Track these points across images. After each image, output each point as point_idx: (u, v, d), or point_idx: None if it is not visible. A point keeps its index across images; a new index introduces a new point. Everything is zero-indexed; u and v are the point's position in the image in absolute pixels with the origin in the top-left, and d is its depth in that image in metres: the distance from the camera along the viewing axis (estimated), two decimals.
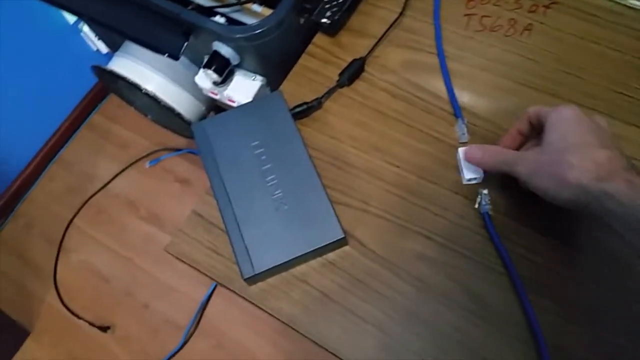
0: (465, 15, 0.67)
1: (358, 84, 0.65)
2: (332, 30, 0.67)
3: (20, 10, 1.39)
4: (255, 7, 0.73)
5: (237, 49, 0.68)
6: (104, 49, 1.61)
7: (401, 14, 0.67)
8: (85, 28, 1.56)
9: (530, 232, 0.54)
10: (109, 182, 1.68)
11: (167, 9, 0.66)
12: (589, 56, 0.62)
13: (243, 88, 0.73)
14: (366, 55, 0.65)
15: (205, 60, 0.69)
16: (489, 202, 0.55)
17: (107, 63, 0.90)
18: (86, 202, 1.65)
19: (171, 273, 1.52)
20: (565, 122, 0.46)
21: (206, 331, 1.45)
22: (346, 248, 0.56)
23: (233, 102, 0.75)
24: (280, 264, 0.53)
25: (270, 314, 0.54)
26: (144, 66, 0.83)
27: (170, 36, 0.68)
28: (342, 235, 0.53)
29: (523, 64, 0.63)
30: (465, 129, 0.59)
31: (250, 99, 0.72)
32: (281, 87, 0.66)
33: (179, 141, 1.60)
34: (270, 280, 0.55)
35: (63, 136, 1.74)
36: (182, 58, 0.70)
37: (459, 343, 0.51)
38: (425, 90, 0.63)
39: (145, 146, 1.71)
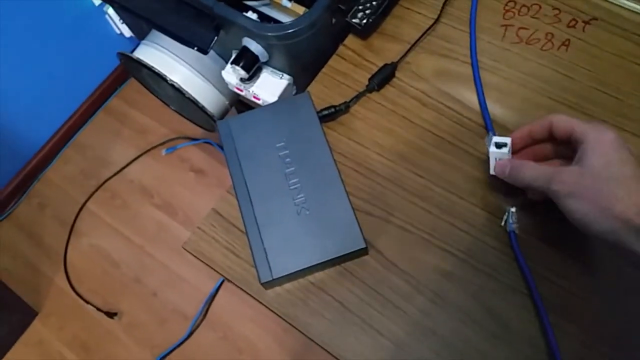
0: (502, 25, 0.65)
1: (387, 90, 0.63)
2: (365, 33, 0.66)
3: None
4: (285, 2, 0.72)
5: (267, 47, 0.67)
6: (127, 32, 1.61)
7: (437, 20, 0.66)
8: (110, 11, 1.56)
9: (556, 255, 0.53)
10: (124, 168, 1.68)
11: (200, 2, 0.65)
12: (628, 76, 0.60)
13: (269, 86, 0.72)
14: (398, 61, 0.64)
15: (234, 55, 0.68)
16: (516, 220, 0.54)
17: (130, 47, 0.89)
18: (100, 186, 1.66)
19: (181, 263, 1.52)
20: (608, 146, 0.44)
21: (213, 323, 1.45)
22: (366, 258, 0.55)
23: (258, 99, 0.73)
24: (299, 271, 0.52)
25: (284, 320, 0.54)
26: (170, 57, 0.82)
27: (201, 30, 0.67)
28: (364, 246, 0.52)
29: (558, 80, 0.61)
30: None
31: (275, 98, 0.71)
32: (309, 88, 0.65)
33: (197, 130, 1.59)
34: (287, 285, 0.55)
35: (80, 119, 1.75)
36: (210, 51, 0.69)
37: None
38: (456, 100, 0.62)
39: (163, 133, 1.71)
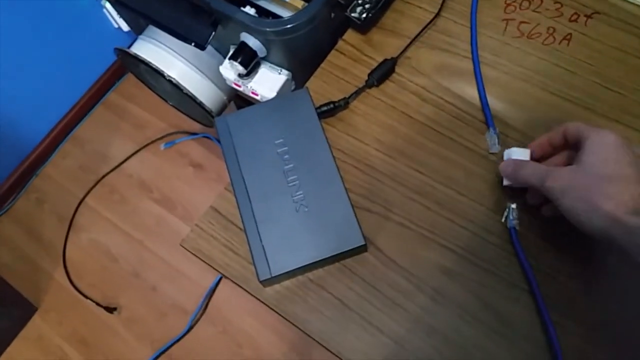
0: (503, 20, 0.65)
1: (387, 85, 0.63)
2: (364, 27, 0.65)
3: None
4: None
5: (265, 42, 0.66)
6: (125, 27, 1.60)
7: (437, 14, 0.65)
8: (108, 5, 1.54)
9: (557, 251, 0.52)
10: (122, 162, 1.67)
11: None
12: (630, 71, 0.60)
13: (267, 82, 0.71)
14: (398, 56, 0.63)
15: (232, 51, 0.68)
16: (516, 216, 0.53)
17: (127, 42, 0.88)
18: (99, 181, 1.65)
19: (180, 257, 1.51)
20: (607, 147, 0.44)
21: (212, 318, 1.45)
22: (365, 255, 0.54)
23: (256, 95, 0.73)
24: (298, 268, 0.52)
25: (283, 317, 0.53)
26: (168, 52, 0.81)
27: (198, 25, 0.67)
28: (363, 243, 0.52)
29: (560, 75, 0.61)
30: (496, 139, 0.57)
31: (274, 94, 0.71)
32: (307, 84, 0.64)
33: (195, 125, 1.58)
34: (286, 282, 0.54)
35: (79, 113, 1.74)
36: (207, 47, 0.68)
37: None
38: (457, 96, 0.61)
39: (161, 128, 1.70)
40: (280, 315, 0.53)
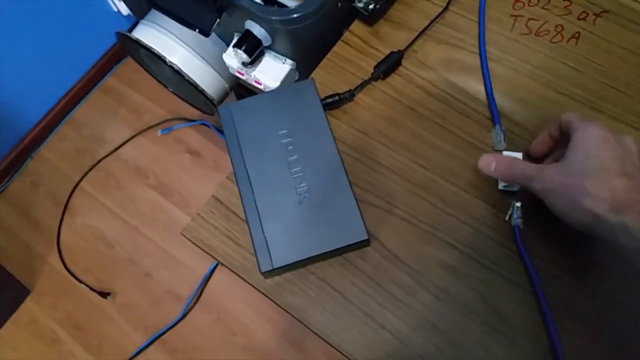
0: (512, 16, 0.64)
1: (393, 78, 0.62)
2: (371, 19, 0.64)
3: None
4: None
5: (271, 31, 0.65)
6: (124, 10, 1.58)
7: (445, 8, 0.64)
8: None
9: (561, 251, 0.52)
10: (119, 147, 1.66)
11: None
12: (638, 72, 0.59)
13: (271, 71, 0.71)
14: (405, 49, 0.62)
15: (236, 39, 0.67)
16: (520, 215, 0.53)
17: (127, 25, 0.87)
18: (95, 165, 1.64)
19: (176, 244, 1.51)
20: (590, 142, 0.44)
21: (207, 305, 1.45)
22: (368, 249, 0.54)
23: (260, 84, 0.72)
24: (300, 261, 0.51)
25: (284, 309, 0.53)
26: (170, 38, 0.80)
27: (203, 11, 0.66)
28: (367, 237, 0.51)
29: (567, 74, 0.60)
30: (502, 136, 0.57)
31: (277, 83, 0.70)
32: (312, 74, 0.63)
33: (193, 111, 1.57)
34: (287, 275, 0.54)
35: (76, 96, 1.72)
36: (211, 33, 0.67)
37: (479, 359, 0.49)
38: (463, 91, 0.61)
39: (159, 114, 1.69)
40: (281, 307, 0.53)
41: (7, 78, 1.44)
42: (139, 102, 1.72)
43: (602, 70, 0.60)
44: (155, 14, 0.84)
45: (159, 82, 1.01)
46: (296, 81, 0.76)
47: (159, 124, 1.67)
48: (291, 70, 0.71)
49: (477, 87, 0.60)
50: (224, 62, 0.75)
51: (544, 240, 0.53)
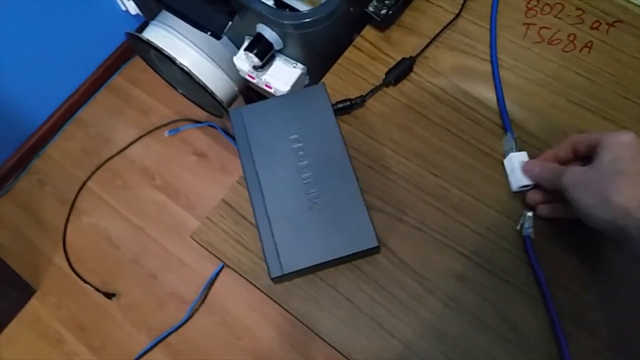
0: (524, 24, 0.64)
1: (404, 85, 0.62)
2: (383, 24, 0.64)
3: None
4: None
5: (282, 35, 0.65)
6: (133, 10, 1.58)
7: (457, 15, 0.64)
8: None
9: (572, 261, 0.52)
10: (126, 148, 1.66)
11: None
12: None
13: (282, 75, 0.71)
14: (416, 55, 0.62)
15: (247, 42, 0.67)
16: (532, 225, 0.53)
17: (135, 25, 0.87)
18: (101, 165, 1.64)
19: (181, 246, 1.51)
20: (621, 146, 0.45)
21: (212, 308, 1.44)
22: (378, 256, 0.54)
23: (270, 88, 0.72)
24: (310, 267, 0.51)
25: (293, 315, 0.53)
26: (181, 39, 0.80)
27: (215, 13, 0.66)
28: (377, 244, 0.51)
29: (579, 83, 0.60)
30: (513, 144, 0.56)
31: (288, 87, 0.70)
32: (323, 79, 0.63)
33: (200, 113, 1.57)
34: (296, 280, 0.54)
35: (83, 96, 1.72)
36: (223, 36, 0.67)
37: None
38: (474, 98, 0.60)
39: (166, 114, 1.69)
40: (290, 313, 0.53)
41: (14, 77, 1.44)
42: (146, 102, 1.72)
43: (615, 80, 0.60)
44: (165, 15, 0.84)
45: (168, 83, 1.02)
46: (306, 86, 0.76)
47: (166, 124, 1.67)
48: (302, 74, 0.71)
49: (488, 94, 0.60)
50: (233, 65, 0.75)
51: (556, 251, 0.52)
